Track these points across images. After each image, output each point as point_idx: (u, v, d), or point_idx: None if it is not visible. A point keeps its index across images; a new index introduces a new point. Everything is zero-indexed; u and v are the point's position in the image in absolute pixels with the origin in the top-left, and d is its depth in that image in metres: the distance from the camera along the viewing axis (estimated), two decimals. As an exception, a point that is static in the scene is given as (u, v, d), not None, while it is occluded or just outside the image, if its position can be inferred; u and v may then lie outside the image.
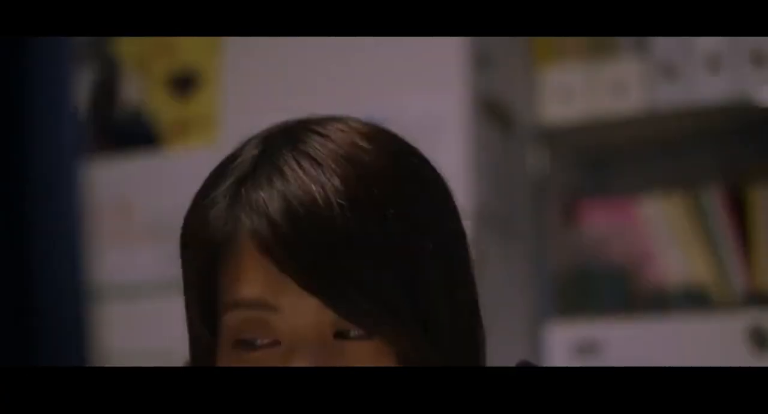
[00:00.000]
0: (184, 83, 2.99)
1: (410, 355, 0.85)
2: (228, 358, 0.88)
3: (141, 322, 2.91)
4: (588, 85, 2.49)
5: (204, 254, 0.90)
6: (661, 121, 2.52)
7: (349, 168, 0.87)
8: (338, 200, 0.84)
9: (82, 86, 2.91)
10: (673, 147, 2.62)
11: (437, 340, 0.86)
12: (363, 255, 0.83)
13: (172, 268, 3.21)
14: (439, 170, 0.94)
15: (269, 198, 0.85)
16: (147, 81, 3.04)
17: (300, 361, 0.84)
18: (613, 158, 2.62)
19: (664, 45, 2.51)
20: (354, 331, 0.85)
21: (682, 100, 2.47)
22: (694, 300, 2.46)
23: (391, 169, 0.89)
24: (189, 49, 2.98)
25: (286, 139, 0.94)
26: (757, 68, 2.43)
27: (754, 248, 2.43)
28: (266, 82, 2.85)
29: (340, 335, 0.85)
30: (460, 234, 0.92)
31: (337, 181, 0.85)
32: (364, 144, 0.91)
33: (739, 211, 2.47)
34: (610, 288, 2.52)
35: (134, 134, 3.03)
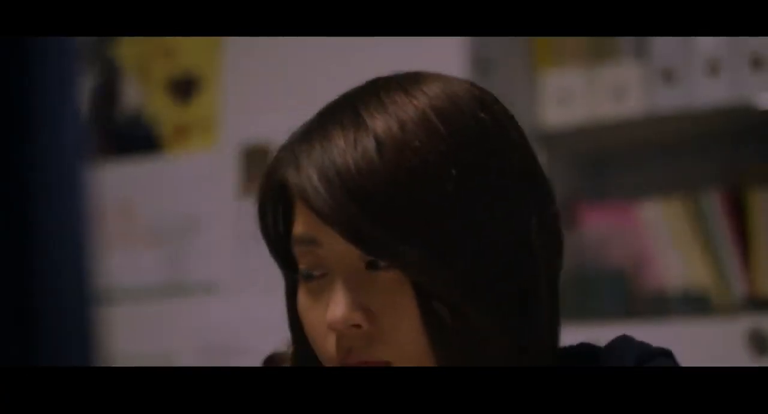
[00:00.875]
0: (184, 87, 3.00)
1: (427, 286, 0.96)
2: (300, 289, 1.04)
3: (142, 326, 2.91)
4: (588, 88, 2.50)
5: (269, 199, 1.05)
6: (660, 125, 2.53)
7: (390, 127, 0.98)
8: (366, 161, 0.97)
9: (84, 90, 2.92)
10: (672, 150, 2.62)
11: (452, 269, 0.96)
12: (381, 201, 0.96)
13: (174, 271, 3.20)
14: (509, 130, 1.03)
15: (312, 157, 0.99)
16: (147, 85, 3.04)
17: (338, 290, 0.98)
18: (613, 161, 2.63)
19: (664, 49, 2.51)
20: (382, 262, 0.98)
21: (681, 103, 2.48)
22: (693, 304, 2.46)
23: (433, 128, 0.98)
24: (189, 52, 2.98)
25: (349, 100, 1.06)
26: (757, 72, 2.43)
27: (754, 252, 2.43)
28: (266, 85, 2.86)
29: (370, 266, 0.99)
30: (515, 184, 1.01)
31: (371, 142, 0.97)
32: (418, 103, 1.00)
33: (739, 214, 2.47)
34: (610, 291, 2.52)
35: (135, 138, 3.03)
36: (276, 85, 2.84)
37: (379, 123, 0.99)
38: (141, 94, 3.05)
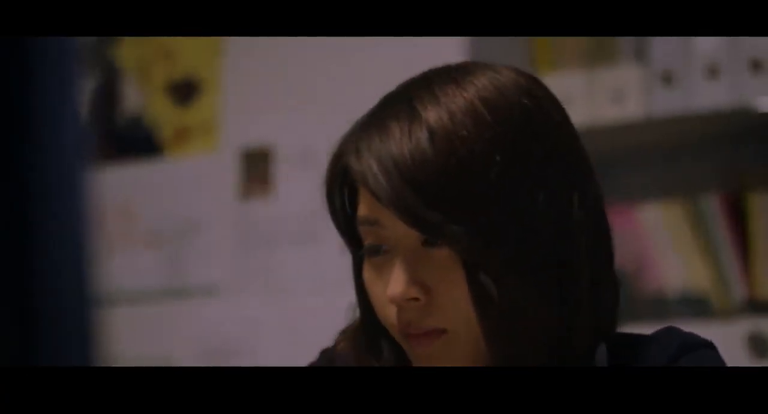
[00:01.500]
0: (184, 90, 3.00)
1: (474, 262, 1.06)
2: (365, 264, 1.14)
3: (142, 328, 2.91)
4: (587, 91, 2.50)
5: (334, 182, 1.15)
6: (660, 128, 2.53)
7: (442, 118, 1.07)
8: (419, 150, 1.06)
9: (84, 91, 2.92)
10: (672, 153, 2.62)
11: (497, 249, 1.05)
12: (432, 185, 1.05)
13: (174, 274, 3.20)
14: (556, 118, 1.11)
15: (371, 147, 1.08)
16: (148, 88, 3.04)
17: (397, 266, 1.09)
18: (612, 164, 2.63)
19: (663, 52, 2.51)
20: (435, 241, 1.08)
21: (681, 106, 2.48)
22: (693, 307, 2.46)
23: (481, 115, 1.07)
24: (189, 56, 2.99)
25: (404, 92, 1.14)
26: (756, 75, 2.43)
27: (754, 255, 2.43)
28: (266, 88, 2.86)
29: (426, 243, 1.09)
30: (557, 171, 1.10)
31: (424, 133, 1.06)
32: (468, 95, 1.09)
33: (739, 217, 2.47)
34: (610, 294, 2.52)
35: (135, 140, 3.03)
36: (276, 88, 2.84)
37: (431, 114, 1.08)
38: (141, 96, 3.05)
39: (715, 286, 2.46)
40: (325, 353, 1.29)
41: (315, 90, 2.79)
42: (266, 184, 2.84)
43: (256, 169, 2.85)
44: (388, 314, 1.11)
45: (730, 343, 2.30)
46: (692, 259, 2.48)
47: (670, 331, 1.17)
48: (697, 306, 2.46)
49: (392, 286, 1.09)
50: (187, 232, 2.91)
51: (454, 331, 1.08)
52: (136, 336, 2.91)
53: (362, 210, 1.12)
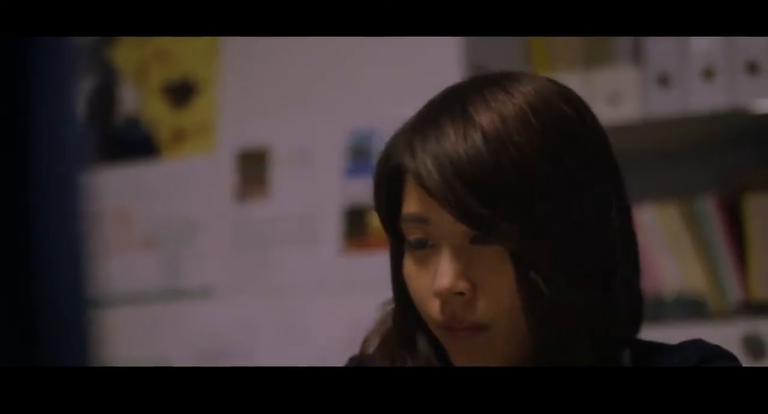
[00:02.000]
0: (181, 92, 3.00)
1: (524, 259, 1.10)
2: (406, 258, 1.18)
3: (139, 330, 2.91)
4: (583, 93, 2.49)
5: (383, 180, 1.20)
6: (656, 130, 2.53)
7: (495, 122, 1.12)
8: (475, 152, 1.10)
9: (82, 93, 2.92)
10: (668, 155, 2.63)
11: (547, 247, 1.10)
12: (487, 186, 1.10)
13: (171, 275, 3.19)
14: (594, 127, 1.19)
15: (426, 146, 1.13)
16: (144, 89, 3.04)
17: (445, 261, 1.13)
18: (608, 167, 2.63)
19: (660, 54, 2.52)
20: (484, 238, 1.12)
21: (677, 108, 2.48)
22: (689, 308, 2.46)
23: (530, 121, 1.13)
24: (186, 58, 2.99)
25: (455, 96, 1.18)
26: (752, 77, 2.44)
27: (749, 257, 2.43)
28: (263, 90, 2.86)
29: (474, 241, 1.13)
30: (596, 177, 1.16)
31: (479, 136, 1.11)
32: (517, 101, 1.14)
33: (734, 219, 2.48)
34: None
35: (132, 142, 3.03)
36: (272, 89, 2.84)
37: (485, 118, 1.13)
38: (138, 98, 3.05)
39: (711, 287, 2.47)
40: (353, 360, 1.32)
41: (311, 91, 2.79)
42: (263, 185, 2.84)
43: (253, 170, 2.85)
44: (431, 307, 1.15)
45: (726, 345, 2.29)
46: (688, 261, 2.49)
47: (695, 342, 1.22)
48: (693, 307, 2.46)
49: (440, 279, 1.12)
50: (184, 233, 2.91)
51: (495, 327, 1.13)
52: (133, 337, 2.91)
53: (410, 207, 1.17)
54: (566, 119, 1.16)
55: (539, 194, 1.11)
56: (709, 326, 2.39)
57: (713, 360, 1.19)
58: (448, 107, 1.17)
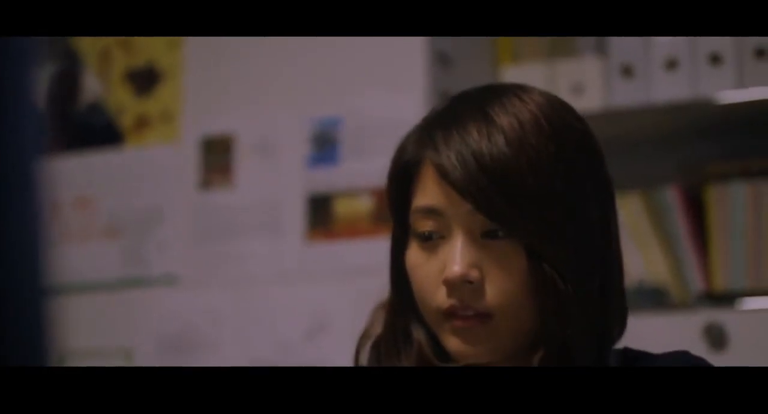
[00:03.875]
0: (145, 79, 2.99)
1: (536, 251, 1.17)
2: (411, 247, 1.23)
3: (102, 319, 2.90)
4: (547, 84, 2.51)
5: (399, 172, 1.25)
6: (619, 120, 2.54)
7: (514, 125, 1.19)
8: (498, 149, 1.17)
9: (42, 80, 2.90)
10: (630, 146, 2.64)
11: (561, 244, 1.18)
12: (508, 182, 1.17)
13: (134, 264, 3.18)
14: (594, 139, 1.27)
15: (450, 141, 1.19)
16: (108, 76, 3.03)
17: (457, 250, 1.18)
18: (572, 157, 2.63)
19: (623, 44, 2.52)
20: (497, 232, 1.18)
21: (640, 99, 2.49)
22: (651, 298, 2.47)
23: (545, 128, 1.20)
24: (149, 44, 2.97)
25: (472, 100, 1.24)
26: (714, 69, 2.45)
27: (711, 247, 2.45)
28: (227, 78, 2.85)
29: (486, 235, 1.19)
30: (598, 186, 1.24)
31: (500, 136, 1.18)
32: (532, 109, 1.21)
33: (696, 210, 2.49)
34: (569, 286, 2.53)
35: (95, 129, 3.02)
36: (237, 77, 2.84)
37: (504, 121, 1.19)
38: (101, 85, 3.04)
39: (673, 277, 2.48)
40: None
41: (275, 80, 2.79)
42: (227, 173, 2.83)
43: (217, 158, 2.85)
44: (437, 294, 1.20)
45: (687, 334, 2.31)
46: (650, 251, 2.50)
47: (685, 354, 1.29)
48: (655, 297, 2.48)
49: (452, 267, 1.18)
50: (147, 221, 2.90)
51: (498, 317, 1.19)
52: (96, 326, 2.90)
53: (425, 200, 1.22)
54: (575, 131, 1.24)
55: (552, 196, 1.18)
56: (671, 316, 2.40)
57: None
58: (467, 109, 1.22)
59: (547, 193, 1.18)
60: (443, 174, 1.19)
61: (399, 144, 1.27)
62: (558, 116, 1.23)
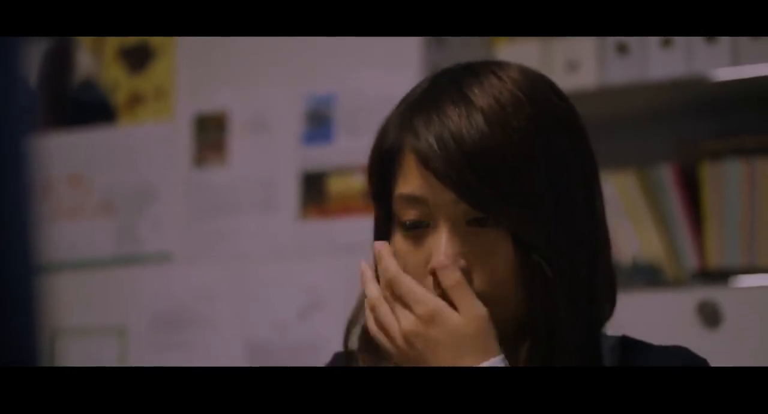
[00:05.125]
0: (138, 56, 2.98)
1: (522, 238, 1.15)
2: (396, 235, 1.21)
3: (95, 297, 2.90)
4: (541, 61, 2.50)
5: (380, 158, 1.22)
6: (613, 98, 2.54)
7: (493, 106, 1.16)
8: (478, 132, 1.15)
9: (34, 57, 2.90)
10: (625, 123, 2.63)
11: (546, 229, 1.15)
12: (491, 167, 1.14)
13: (128, 242, 3.17)
14: (576, 114, 1.24)
15: (429, 126, 1.16)
16: (101, 53, 3.02)
17: (443, 240, 1.16)
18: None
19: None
20: (482, 220, 1.16)
21: (635, 76, 2.49)
22: (645, 276, 2.47)
23: (525, 108, 1.17)
24: (143, 21, 2.97)
25: (450, 81, 1.21)
26: (710, 46, 2.44)
27: (705, 224, 2.45)
28: (221, 55, 2.84)
29: (471, 223, 1.17)
30: (582, 164, 1.21)
31: (480, 117, 1.15)
32: (511, 88, 1.18)
33: (691, 187, 2.49)
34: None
35: (88, 106, 3.01)
36: (230, 54, 2.83)
37: (482, 101, 1.17)
38: (94, 62, 3.03)
39: (667, 255, 2.48)
40: (338, 357, 1.31)
41: (269, 59, 2.78)
42: (220, 150, 2.83)
43: (210, 135, 2.84)
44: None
45: (681, 312, 2.31)
46: (645, 229, 2.50)
47: (686, 352, 1.25)
48: (649, 275, 2.48)
49: (438, 258, 1.16)
50: (140, 199, 2.90)
51: (486, 303, 1.16)
52: (89, 304, 2.90)
53: (408, 187, 1.19)
54: (556, 109, 1.21)
55: (536, 178, 1.16)
56: (665, 293, 2.41)
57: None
58: (446, 89, 1.20)
59: (530, 176, 1.16)
60: (424, 161, 1.17)
61: (380, 128, 1.24)
62: (538, 95, 1.20)
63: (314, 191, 2.70)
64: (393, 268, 1.17)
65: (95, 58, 3.02)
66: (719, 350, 2.18)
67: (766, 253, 2.40)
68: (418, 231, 1.19)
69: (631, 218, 2.51)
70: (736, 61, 2.42)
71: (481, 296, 1.16)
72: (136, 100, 2.96)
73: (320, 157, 2.70)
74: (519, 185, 1.15)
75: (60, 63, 3.04)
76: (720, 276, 2.40)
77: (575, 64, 2.52)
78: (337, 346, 1.29)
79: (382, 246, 1.19)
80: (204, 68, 2.86)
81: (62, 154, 2.96)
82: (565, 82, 2.48)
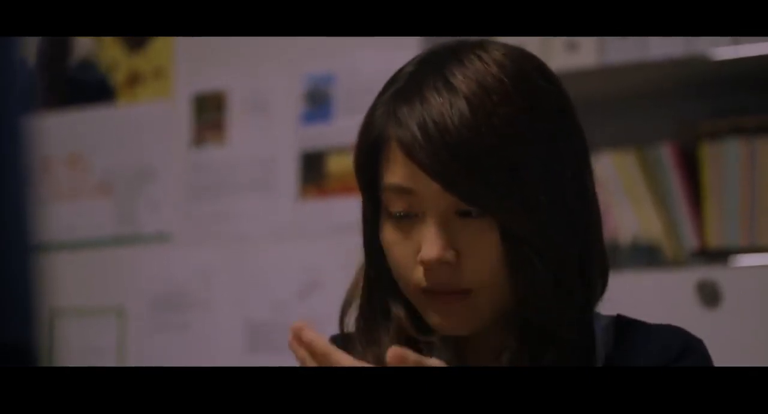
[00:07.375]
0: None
1: (511, 230, 1.14)
2: (385, 225, 1.19)
3: (93, 277, 2.90)
4: (541, 40, 2.49)
5: (366, 148, 1.20)
6: (613, 77, 2.53)
7: (477, 92, 1.14)
8: (462, 120, 1.12)
9: (32, 37, 2.89)
10: (625, 103, 2.63)
11: (535, 218, 1.14)
12: (476, 157, 1.12)
13: (126, 222, 3.17)
14: (564, 94, 1.21)
15: (412, 115, 1.15)
16: (99, 33, 3.01)
17: (431, 231, 1.15)
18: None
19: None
20: (471, 211, 1.15)
21: (634, 56, 2.48)
22: (645, 255, 2.47)
23: (510, 92, 1.15)
24: (141, 1, 2.96)
25: (434, 66, 1.19)
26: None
27: (704, 204, 2.45)
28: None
29: (460, 214, 1.15)
30: (572, 145, 1.20)
31: (464, 105, 1.13)
32: (495, 72, 1.16)
33: (691, 167, 2.49)
34: (562, 243, 2.53)
35: (87, 85, 3.01)
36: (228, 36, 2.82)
37: (465, 88, 1.15)
38: (93, 41, 3.02)
39: (667, 234, 2.48)
40: (335, 339, 1.29)
41: (268, 37, 2.77)
42: (219, 130, 2.82)
43: (209, 115, 2.84)
44: (414, 274, 1.17)
45: (681, 291, 2.32)
46: (644, 208, 2.50)
47: (683, 333, 1.23)
48: (649, 254, 2.48)
49: (427, 249, 1.15)
50: (139, 179, 2.90)
51: (477, 292, 1.16)
52: (88, 284, 2.90)
53: (394, 178, 1.18)
54: (542, 91, 1.19)
55: (523, 165, 1.14)
56: (665, 273, 2.41)
57: (690, 354, 1.21)
58: (429, 76, 1.18)
59: (517, 164, 1.14)
60: (408, 152, 1.15)
61: (365, 117, 1.23)
62: (523, 78, 1.18)
63: (313, 171, 2.70)
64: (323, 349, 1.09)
65: (94, 37, 3.01)
66: (719, 330, 2.18)
67: (766, 232, 2.40)
68: (407, 221, 1.18)
69: (630, 198, 2.51)
70: (735, 40, 2.42)
71: (472, 284, 1.15)
72: (135, 80, 2.95)
73: (319, 136, 2.70)
74: (505, 175, 1.13)
75: (58, 42, 3.03)
76: (719, 255, 2.40)
77: (575, 43, 2.51)
78: (337, 327, 1.29)
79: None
80: (203, 48, 2.85)
81: (61, 134, 2.96)
82: (565, 61, 2.47)
